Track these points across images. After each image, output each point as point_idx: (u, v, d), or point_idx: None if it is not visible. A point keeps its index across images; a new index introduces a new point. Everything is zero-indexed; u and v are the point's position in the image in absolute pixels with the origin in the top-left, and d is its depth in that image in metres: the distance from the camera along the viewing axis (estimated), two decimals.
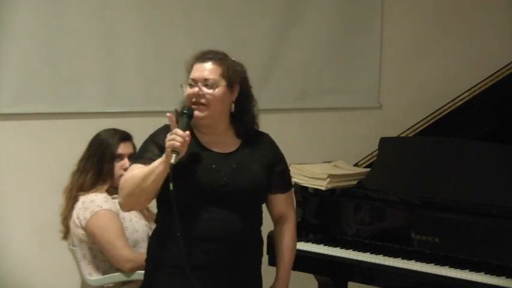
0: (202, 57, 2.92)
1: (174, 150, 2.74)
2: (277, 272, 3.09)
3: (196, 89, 2.87)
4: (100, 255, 3.51)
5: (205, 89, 2.87)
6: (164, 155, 2.78)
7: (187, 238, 2.82)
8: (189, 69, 2.93)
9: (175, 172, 2.75)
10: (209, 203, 2.85)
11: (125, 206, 2.92)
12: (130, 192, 2.83)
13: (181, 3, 4.64)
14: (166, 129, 2.87)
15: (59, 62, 4.36)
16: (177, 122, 2.82)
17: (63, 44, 4.36)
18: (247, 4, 4.82)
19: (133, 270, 3.44)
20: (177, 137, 2.75)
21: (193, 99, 2.88)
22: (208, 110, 2.88)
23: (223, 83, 2.89)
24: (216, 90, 2.88)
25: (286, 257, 3.07)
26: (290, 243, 3.08)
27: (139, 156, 2.92)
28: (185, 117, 2.84)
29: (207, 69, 2.88)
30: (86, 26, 4.40)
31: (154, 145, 2.90)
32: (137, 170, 2.84)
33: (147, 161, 2.86)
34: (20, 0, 4.24)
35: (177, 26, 4.61)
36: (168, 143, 2.76)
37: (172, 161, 2.74)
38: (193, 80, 2.89)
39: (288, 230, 3.07)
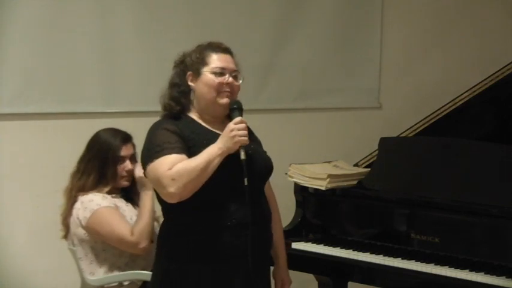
0: (221, 47, 2.98)
1: (241, 146, 2.82)
2: (278, 255, 3.16)
3: (230, 79, 2.92)
4: (102, 254, 3.50)
5: (234, 80, 2.94)
6: (218, 148, 2.79)
7: (241, 225, 2.83)
8: (204, 58, 2.94)
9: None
10: (247, 190, 2.84)
11: (178, 196, 2.80)
12: (187, 183, 2.77)
13: (181, 3, 4.64)
14: (169, 120, 2.90)
15: (59, 62, 4.35)
16: (230, 117, 2.88)
17: (63, 44, 4.35)
18: (248, 4, 4.82)
19: (145, 248, 3.39)
20: (243, 132, 2.81)
21: (221, 88, 2.91)
22: (231, 98, 2.94)
23: (240, 75, 2.97)
24: (240, 82, 2.96)
25: (280, 238, 3.18)
26: (280, 227, 3.21)
27: (168, 147, 2.82)
28: (237, 111, 2.89)
29: (231, 61, 2.97)
30: (86, 26, 4.40)
31: (175, 135, 2.85)
32: (187, 161, 2.79)
33: (180, 151, 2.81)
34: (20, 0, 4.24)
35: (177, 25, 4.60)
36: (236, 140, 2.79)
37: (243, 156, 2.80)
38: (223, 68, 2.93)
39: (276, 213, 3.15)
